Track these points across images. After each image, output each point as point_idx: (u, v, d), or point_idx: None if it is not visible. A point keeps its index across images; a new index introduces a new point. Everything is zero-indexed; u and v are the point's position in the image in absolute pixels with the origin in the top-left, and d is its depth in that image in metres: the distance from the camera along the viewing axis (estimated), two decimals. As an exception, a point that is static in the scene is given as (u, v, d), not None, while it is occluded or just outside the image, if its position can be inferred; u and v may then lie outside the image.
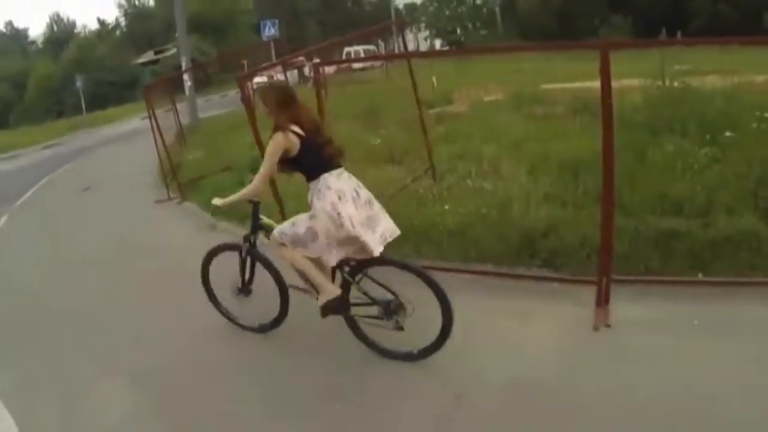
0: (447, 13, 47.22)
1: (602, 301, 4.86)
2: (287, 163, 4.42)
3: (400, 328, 4.61)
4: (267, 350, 5.21)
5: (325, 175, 4.34)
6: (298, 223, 4.50)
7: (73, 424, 4.64)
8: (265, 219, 5.14)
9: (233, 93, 34.11)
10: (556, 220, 5.78)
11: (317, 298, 4.70)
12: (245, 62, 35.01)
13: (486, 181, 6.88)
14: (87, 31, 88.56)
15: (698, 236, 5.34)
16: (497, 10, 48.88)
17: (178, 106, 16.85)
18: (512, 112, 10.85)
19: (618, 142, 6.89)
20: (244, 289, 5.39)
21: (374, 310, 4.68)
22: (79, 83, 52.00)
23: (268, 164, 4.42)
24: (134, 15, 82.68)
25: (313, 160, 4.38)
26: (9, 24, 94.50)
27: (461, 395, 4.09)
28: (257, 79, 31.21)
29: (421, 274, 4.50)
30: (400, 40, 20.68)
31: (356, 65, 27.84)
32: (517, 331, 4.73)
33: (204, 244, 8.11)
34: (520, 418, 3.82)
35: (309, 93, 16.75)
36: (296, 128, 4.31)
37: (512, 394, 4.03)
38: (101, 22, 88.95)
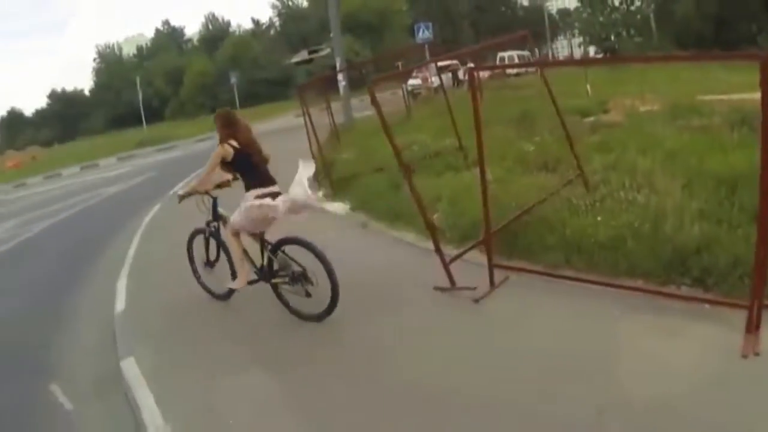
0: (600, 19, 45.73)
1: (753, 326, 4.72)
2: (226, 165, 6.46)
3: (309, 295, 6.24)
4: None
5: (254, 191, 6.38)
6: (236, 215, 6.45)
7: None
8: (222, 211, 6.99)
9: (387, 94, 34.92)
10: (709, 237, 5.71)
11: (231, 279, 6.81)
12: (400, 64, 35.77)
13: (639, 194, 6.84)
14: (241, 30, 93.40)
15: None
16: (651, 16, 46.93)
17: (332, 106, 17.38)
18: (668, 123, 10.59)
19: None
20: (209, 264, 7.38)
21: (287, 280, 6.36)
22: (233, 80, 54.65)
23: (209, 166, 6.54)
24: (288, 15, 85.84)
25: (244, 164, 6.45)
26: (166, 22, 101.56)
27: (603, 411, 4.14)
28: (411, 81, 32.03)
29: (313, 249, 6.11)
30: (554, 46, 20.60)
31: (510, 70, 28.17)
32: (661, 351, 4.71)
33: (353, 242, 8.92)
34: None
35: (463, 96, 17.10)
36: (233, 142, 6.34)
37: (652, 416, 4.03)
38: (255, 22, 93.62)
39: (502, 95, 18.55)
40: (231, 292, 7.03)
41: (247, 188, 6.43)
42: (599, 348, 4.90)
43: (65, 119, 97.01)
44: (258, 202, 6.19)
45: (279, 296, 6.56)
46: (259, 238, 6.53)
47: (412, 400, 4.70)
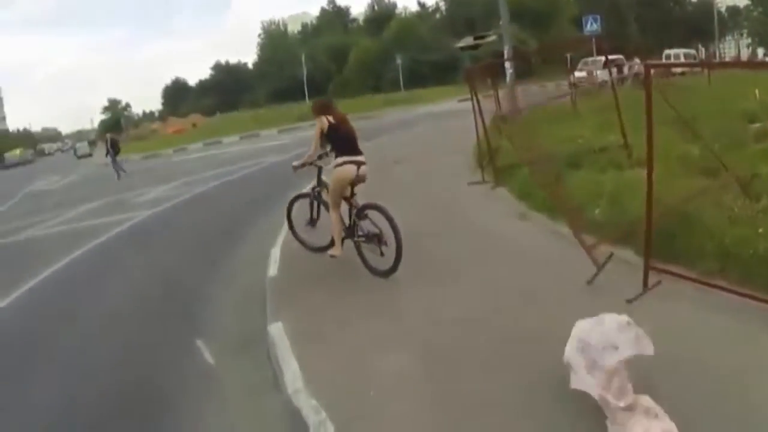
0: (772, 19, 42.33)
1: None
2: (324, 137, 7.90)
3: (382, 254, 7.61)
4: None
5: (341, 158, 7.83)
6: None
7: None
8: (324, 179, 8.48)
9: (552, 85, 34.53)
10: None
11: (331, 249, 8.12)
12: (569, 55, 35.12)
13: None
14: (407, 12, 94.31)
15: None
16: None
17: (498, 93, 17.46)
18: None
19: None
20: (312, 222, 8.88)
21: (365, 239, 7.77)
22: (398, 60, 55.16)
23: (314, 139, 7.98)
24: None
25: (336, 137, 7.88)
26: (332, 2, 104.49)
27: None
28: (578, 74, 31.57)
29: (383, 211, 7.56)
30: (722, 45, 19.72)
31: (675, 69, 27.48)
32: None
33: (510, 231, 9.27)
34: None
35: (626, 92, 16.71)
36: (329, 117, 7.81)
37: None
38: (421, 5, 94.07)
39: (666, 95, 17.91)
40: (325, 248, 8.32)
41: (336, 156, 7.88)
42: (738, 367, 4.66)
43: (227, 90, 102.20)
44: (341, 160, 7.79)
45: (359, 253, 7.94)
46: (349, 202, 8.00)
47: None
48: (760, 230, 6.43)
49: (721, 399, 4.29)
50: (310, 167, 8.44)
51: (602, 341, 4.23)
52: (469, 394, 4.89)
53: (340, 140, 7.88)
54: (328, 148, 8.13)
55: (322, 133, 7.79)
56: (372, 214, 7.76)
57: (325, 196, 8.45)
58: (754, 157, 9.18)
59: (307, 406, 5.02)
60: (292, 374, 5.58)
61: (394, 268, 7.46)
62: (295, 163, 8.51)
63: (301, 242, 9.12)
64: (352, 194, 8.09)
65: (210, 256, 10.76)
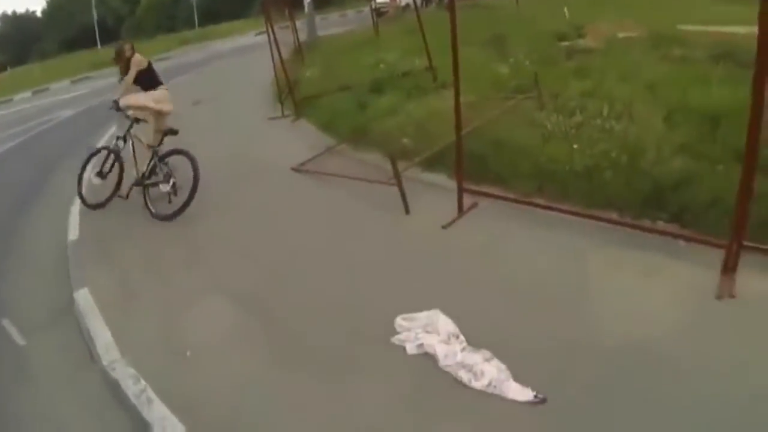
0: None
1: (729, 268, 4.52)
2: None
3: (170, 201, 7.43)
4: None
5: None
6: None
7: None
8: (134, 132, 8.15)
9: (352, 12, 33.84)
10: (689, 173, 5.45)
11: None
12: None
13: (618, 124, 6.51)
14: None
15: None
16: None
17: (297, 24, 16.58)
18: (647, 51, 10.11)
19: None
20: (102, 175, 8.29)
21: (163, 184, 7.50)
22: (191, -2, 51.86)
23: (131, 75, 8.20)
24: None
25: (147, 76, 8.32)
26: None
27: (574, 352, 3.97)
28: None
29: (186, 154, 7.36)
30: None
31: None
32: (635, 288, 4.55)
33: (320, 164, 8.44)
34: (630, 384, 3.66)
35: (430, 16, 16.40)
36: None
37: (622, 355, 3.88)
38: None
39: (474, 15, 17.88)
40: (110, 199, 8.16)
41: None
42: (572, 282, 4.72)
43: (17, 43, 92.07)
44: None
45: (144, 198, 7.66)
46: (152, 150, 7.74)
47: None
48: (575, 146, 6.11)
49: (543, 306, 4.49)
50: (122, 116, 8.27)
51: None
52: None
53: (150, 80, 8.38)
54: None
55: (139, 71, 8.14)
56: (175, 159, 7.60)
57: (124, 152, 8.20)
58: (565, 74, 8.89)
59: (125, 376, 4.58)
60: (104, 345, 5.05)
61: (181, 210, 7.28)
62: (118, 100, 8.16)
63: (82, 200, 8.49)
64: (161, 142, 7.93)
65: (3, 228, 9.03)
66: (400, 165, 6.79)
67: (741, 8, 10.00)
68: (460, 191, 5.85)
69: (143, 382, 4.43)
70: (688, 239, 4.98)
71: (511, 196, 5.95)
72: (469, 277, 4.97)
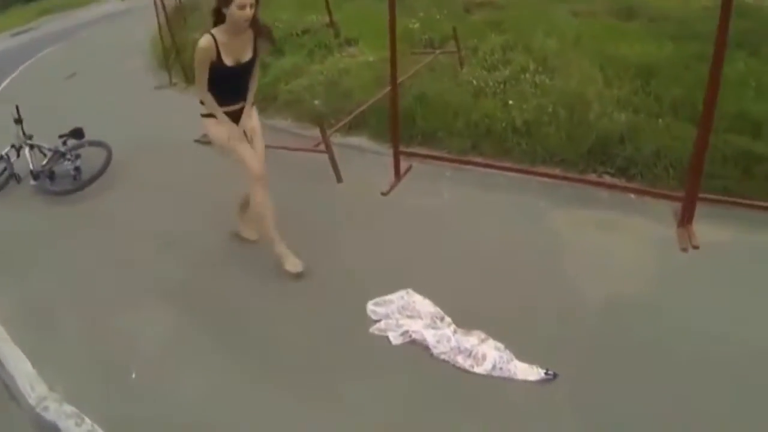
0: None
1: (686, 219, 4.51)
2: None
3: (79, 177, 6.79)
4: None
5: None
6: None
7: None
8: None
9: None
10: (633, 127, 5.32)
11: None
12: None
13: (549, 78, 6.30)
14: None
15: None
16: None
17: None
18: (552, 5, 9.83)
19: (686, 51, 6.48)
20: None
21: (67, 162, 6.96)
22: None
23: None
24: None
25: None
26: None
27: (564, 315, 3.75)
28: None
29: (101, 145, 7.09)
30: None
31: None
32: (598, 246, 4.40)
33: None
34: (627, 341, 3.52)
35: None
36: None
37: (610, 316, 3.72)
38: None
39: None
40: None
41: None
42: (534, 243, 4.49)
43: None
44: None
45: (45, 180, 6.93)
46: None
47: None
48: (510, 102, 5.84)
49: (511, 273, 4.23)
50: None
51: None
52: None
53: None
54: None
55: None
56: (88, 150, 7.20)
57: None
58: (480, 28, 8.58)
59: (63, 416, 3.61)
60: (27, 379, 3.99)
61: (82, 186, 6.76)
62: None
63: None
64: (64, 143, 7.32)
65: None
66: (315, 129, 6.37)
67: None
68: (397, 154, 5.45)
69: (88, 421, 3.55)
70: (642, 193, 4.87)
71: (450, 156, 5.64)
72: (423, 247, 4.60)
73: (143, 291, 4.68)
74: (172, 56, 11.59)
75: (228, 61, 4.07)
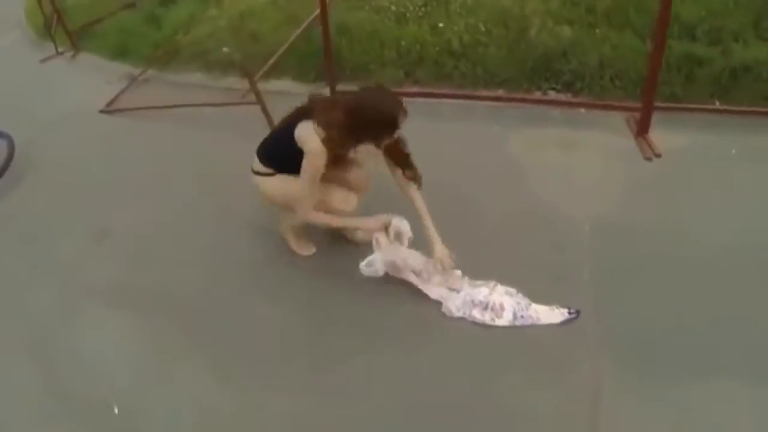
0: None
1: (643, 130, 4.47)
2: None
3: None
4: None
5: None
6: None
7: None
8: None
9: None
10: (573, 40, 5.15)
11: None
12: None
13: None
14: None
15: (718, 63, 4.92)
16: None
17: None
18: None
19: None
20: None
21: None
22: None
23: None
24: None
25: None
26: None
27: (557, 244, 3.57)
28: None
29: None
30: None
31: None
32: (564, 165, 4.25)
33: (133, 98, 6.85)
34: (618, 261, 3.42)
35: None
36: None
37: (601, 236, 3.60)
38: None
39: None
40: None
41: None
42: (500, 169, 4.29)
43: None
44: None
45: None
46: None
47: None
48: (441, 25, 5.51)
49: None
50: None
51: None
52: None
53: None
54: None
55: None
56: None
57: None
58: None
59: None
60: None
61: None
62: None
63: None
64: None
65: None
66: (228, 80, 6.16)
67: None
68: (333, 92, 5.13)
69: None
70: (597, 107, 4.78)
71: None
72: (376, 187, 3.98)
73: (88, 297, 3.89)
74: (54, 23, 10.12)
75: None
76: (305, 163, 3.12)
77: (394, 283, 3.35)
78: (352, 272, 3.34)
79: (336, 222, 3.41)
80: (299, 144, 3.13)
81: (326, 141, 3.05)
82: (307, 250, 3.79)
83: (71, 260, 4.28)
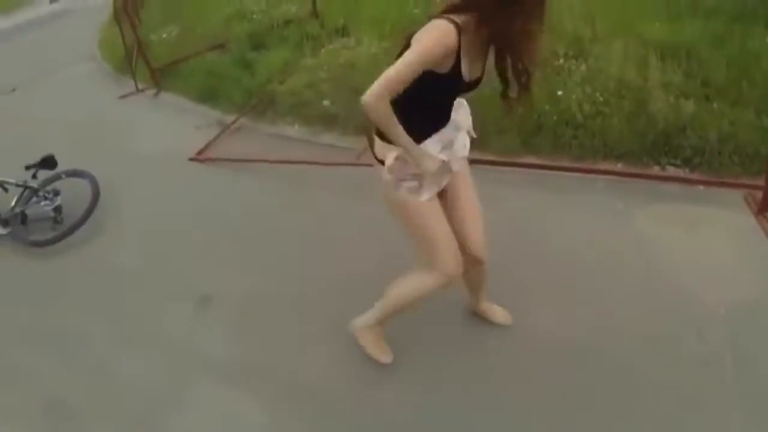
0: None
1: (764, 208, 4.49)
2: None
3: (60, 220, 5.70)
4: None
5: None
6: None
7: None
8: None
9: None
10: (693, 114, 5.23)
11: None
12: None
13: (585, 63, 6.12)
14: None
15: None
16: None
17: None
18: None
19: (696, 28, 6.41)
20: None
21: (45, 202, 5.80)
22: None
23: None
24: None
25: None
26: None
27: (701, 331, 3.56)
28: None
29: (83, 175, 5.93)
30: None
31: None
32: (691, 245, 4.25)
33: (225, 147, 6.82)
34: (751, 346, 3.43)
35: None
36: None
37: (735, 317, 3.60)
38: None
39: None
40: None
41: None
42: (626, 246, 4.30)
43: None
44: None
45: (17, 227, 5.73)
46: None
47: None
48: (560, 93, 5.68)
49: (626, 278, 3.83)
50: None
51: None
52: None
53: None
54: None
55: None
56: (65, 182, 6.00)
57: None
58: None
59: None
60: None
61: (64, 235, 5.52)
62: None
63: None
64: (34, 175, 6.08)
65: None
66: (329, 135, 6.17)
67: None
68: None
69: None
70: (718, 185, 4.81)
71: (501, 160, 5.39)
72: (511, 260, 4.09)
73: (196, 370, 3.81)
74: (135, 58, 10.11)
75: (466, 73, 2.58)
76: (422, 37, 2.42)
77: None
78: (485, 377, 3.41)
79: (394, 132, 2.56)
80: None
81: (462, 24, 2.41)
82: (386, 356, 3.53)
83: (172, 327, 4.17)
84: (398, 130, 2.55)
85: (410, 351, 3.58)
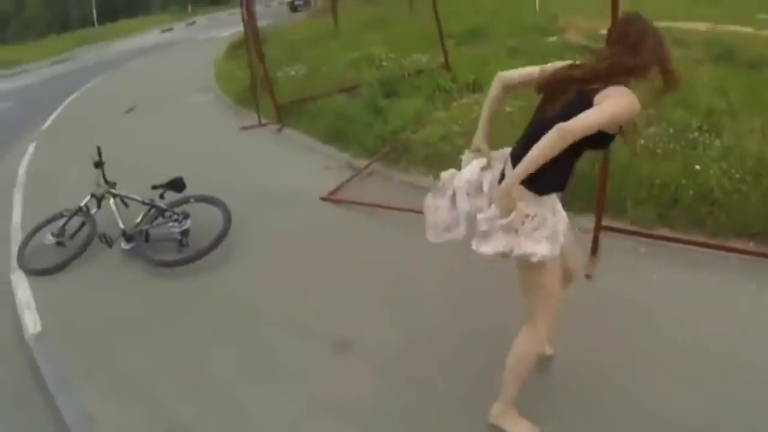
0: None
1: None
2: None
3: (186, 243, 5.95)
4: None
5: None
6: None
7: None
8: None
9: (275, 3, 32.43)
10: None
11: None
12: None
13: (717, 138, 6.21)
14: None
15: None
16: None
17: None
18: None
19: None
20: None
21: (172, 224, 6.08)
22: (89, -7, 47.98)
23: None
24: None
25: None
26: None
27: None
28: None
29: (213, 202, 6.18)
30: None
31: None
32: None
33: (357, 190, 6.90)
34: None
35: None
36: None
37: None
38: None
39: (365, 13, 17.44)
40: None
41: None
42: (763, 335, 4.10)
43: None
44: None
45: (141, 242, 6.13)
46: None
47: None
48: (698, 167, 5.76)
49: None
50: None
51: None
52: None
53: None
54: None
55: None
56: (193, 207, 6.31)
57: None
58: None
59: None
60: None
61: (191, 259, 5.79)
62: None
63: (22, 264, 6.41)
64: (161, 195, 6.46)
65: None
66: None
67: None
68: (598, 229, 5.28)
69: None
70: None
71: (635, 229, 5.53)
72: (652, 346, 4.09)
73: (334, 417, 3.77)
74: (258, 91, 10.60)
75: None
76: (619, 98, 2.67)
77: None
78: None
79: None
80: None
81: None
82: (532, 429, 3.46)
83: (307, 370, 4.18)
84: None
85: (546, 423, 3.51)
